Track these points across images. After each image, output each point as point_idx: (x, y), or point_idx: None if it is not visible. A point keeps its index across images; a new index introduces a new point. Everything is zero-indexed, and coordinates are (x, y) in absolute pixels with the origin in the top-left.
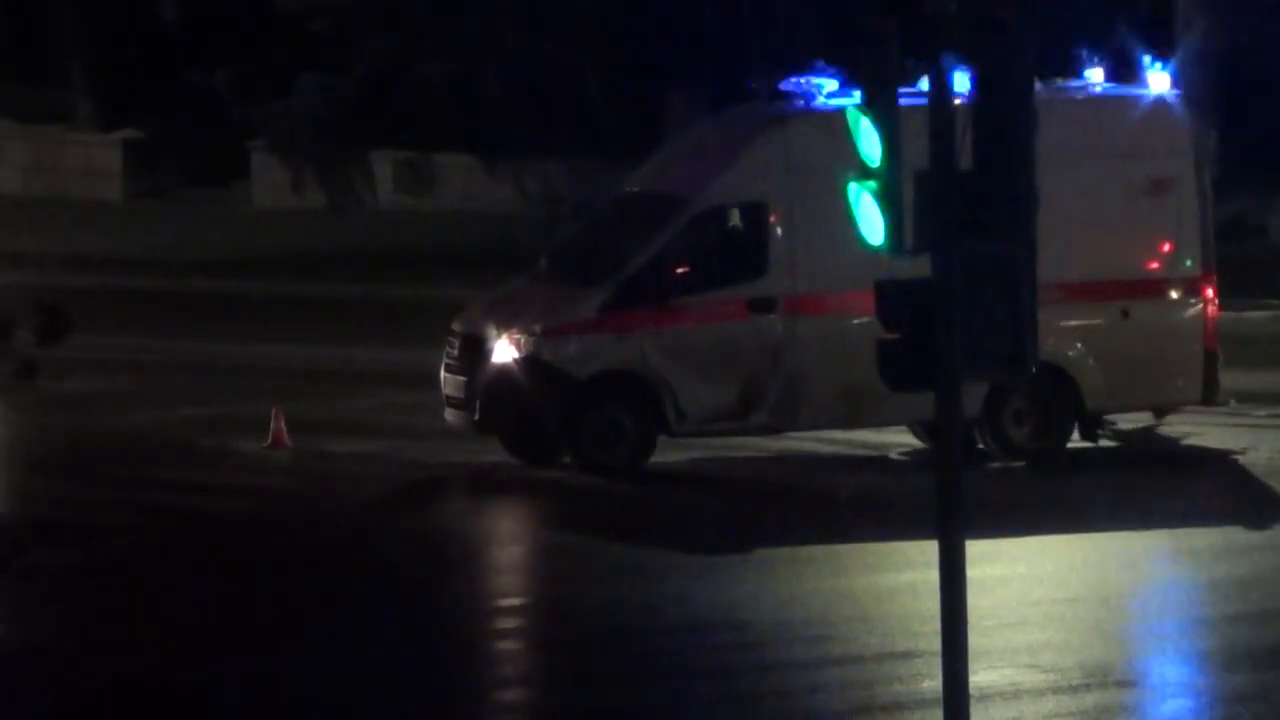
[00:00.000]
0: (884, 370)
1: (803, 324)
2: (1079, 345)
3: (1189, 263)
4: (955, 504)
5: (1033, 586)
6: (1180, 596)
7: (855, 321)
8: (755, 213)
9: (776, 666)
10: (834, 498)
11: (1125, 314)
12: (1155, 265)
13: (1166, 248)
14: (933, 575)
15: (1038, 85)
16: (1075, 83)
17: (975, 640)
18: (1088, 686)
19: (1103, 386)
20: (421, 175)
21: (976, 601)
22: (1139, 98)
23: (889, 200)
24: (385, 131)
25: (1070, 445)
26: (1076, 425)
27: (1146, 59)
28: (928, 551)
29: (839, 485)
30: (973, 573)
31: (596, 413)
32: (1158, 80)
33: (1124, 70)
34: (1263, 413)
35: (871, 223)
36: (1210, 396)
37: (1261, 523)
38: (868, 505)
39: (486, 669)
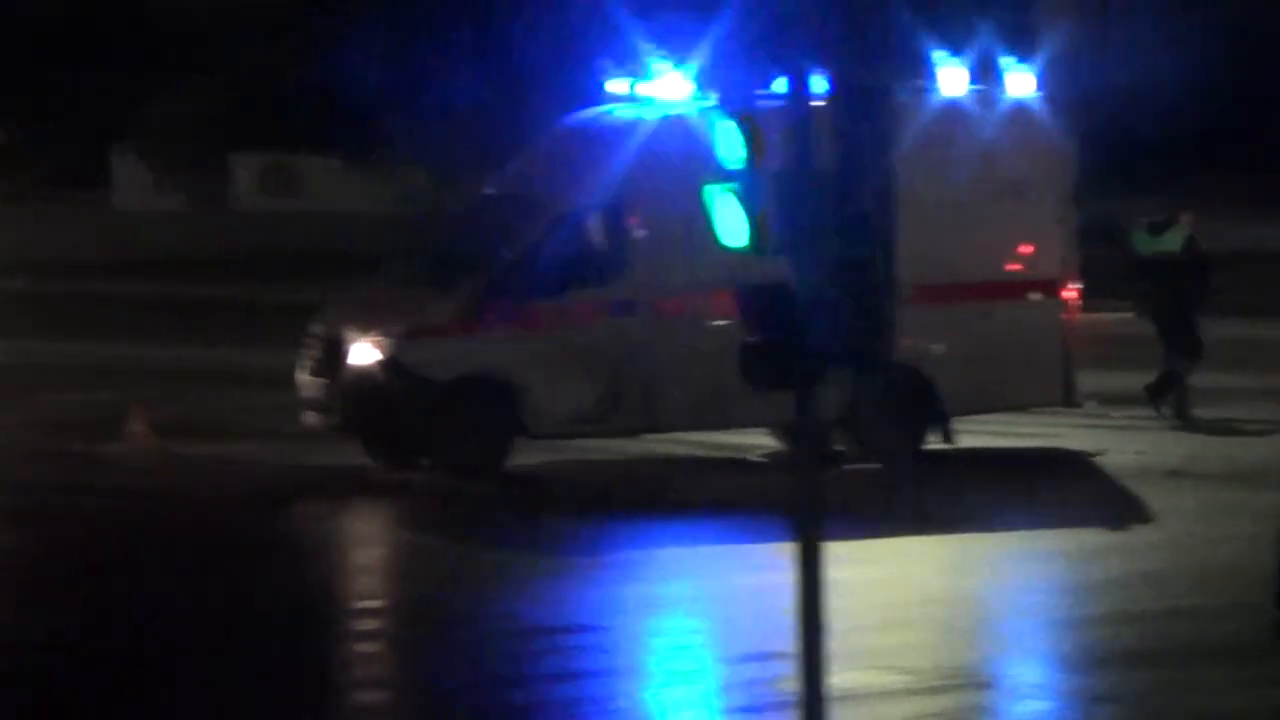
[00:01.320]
0: (745, 372)
1: (661, 326)
2: (939, 347)
3: (1049, 265)
4: (813, 506)
5: (891, 588)
6: (1037, 598)
7: (714, 324)
8: (614, 216)
9: (634, 670)
10: (693, 500)
11: (984, 316)
12: (1015, 267)
13: (1026, 250)
14: (791, 577)
15: (898, 87)
16: (934, 83)
17: (833, 642)
18: (945, 688)
19: (961, 388)
20: (284, 177)
21: (834, 603)
22: (1000, 99)
23: (748, 202)
24: (249, 134)
25: (928, 447)
26: (935, 427)
27: (1007, 61)
28: (787, 554)
29: (698, 487)
30: (831, 575)
31: (456, 415)
32: (1019, 83)
33: (986, 72)
34: (1121, 414)
35: (731, 225)
36: (1069, 398)
37: (1118, 525)
38: (727, 507)
39: (345, 671)
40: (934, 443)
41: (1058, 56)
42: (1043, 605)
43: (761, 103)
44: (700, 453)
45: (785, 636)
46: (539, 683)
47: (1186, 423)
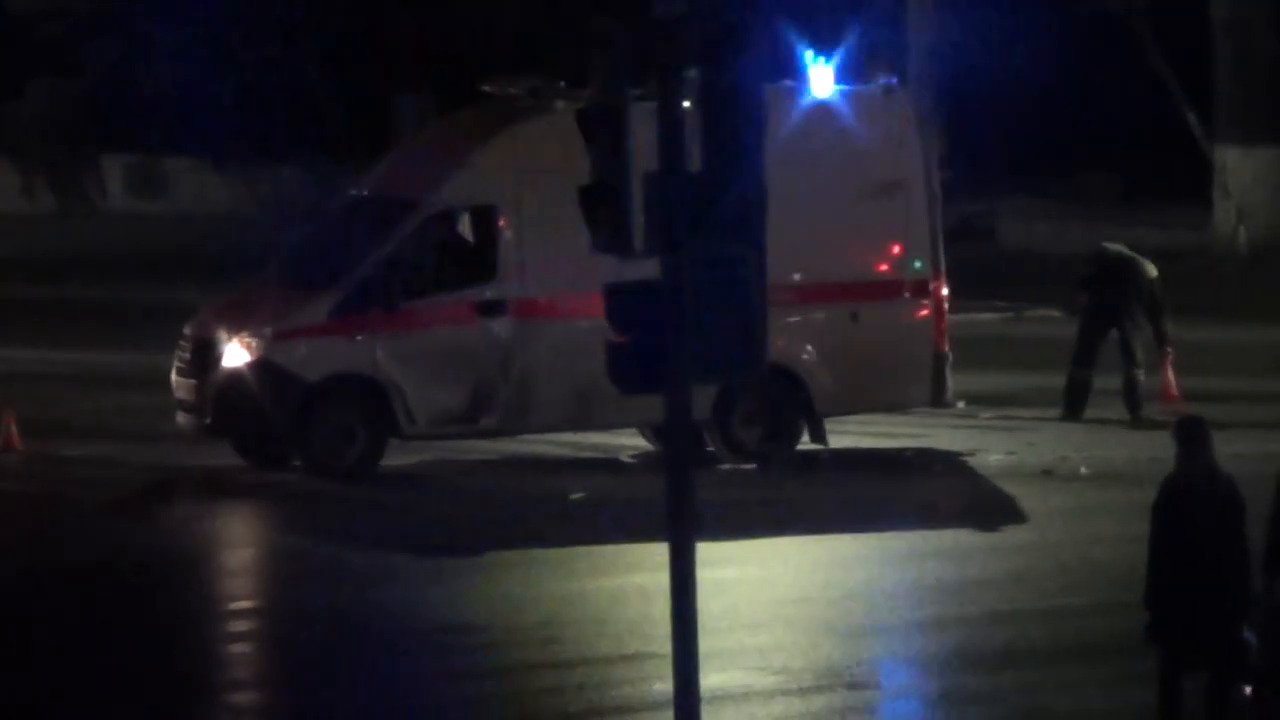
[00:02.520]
0: (613, 373)
1: (532, 327)
2: (808, 348)
3: (918, 264)
4: (686, 506)
5: (764, 588)
6: (910, 598)
7: (585, 324)
8: (485, 216)
9: (508, 669)
10: (566, 500)
11: (854, 316)
12: (884, 267)
13: (895, 249)
14: (663, 577)
15: (767, 86)
16: (802, 83)
17: (706, 642)
18: (819, 688)
19: (832, 389)
20: (152, 178)
21: (707, 604)
22: (868, 98)
23: (618, 203)
24: (116, 135)
25: (801, 447)
26: (805, 427)
27: (874, 61)
28: (659, 554)
29: (571, 488)
30: (703, 575)
31: (327, 416)
32: (886, 82)
33: (853, 72)
34: (991, 414)
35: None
36: (939, 398)
37: (990, 524)
38: (599, 507)
39: (218, 672)
40: (805, 443)
41: (927, 54)
42: (915, 605)
43: (634, 103)
44: (573, 453)
45: (659, 637)
46: (414, 683)
47: (1077, 420)
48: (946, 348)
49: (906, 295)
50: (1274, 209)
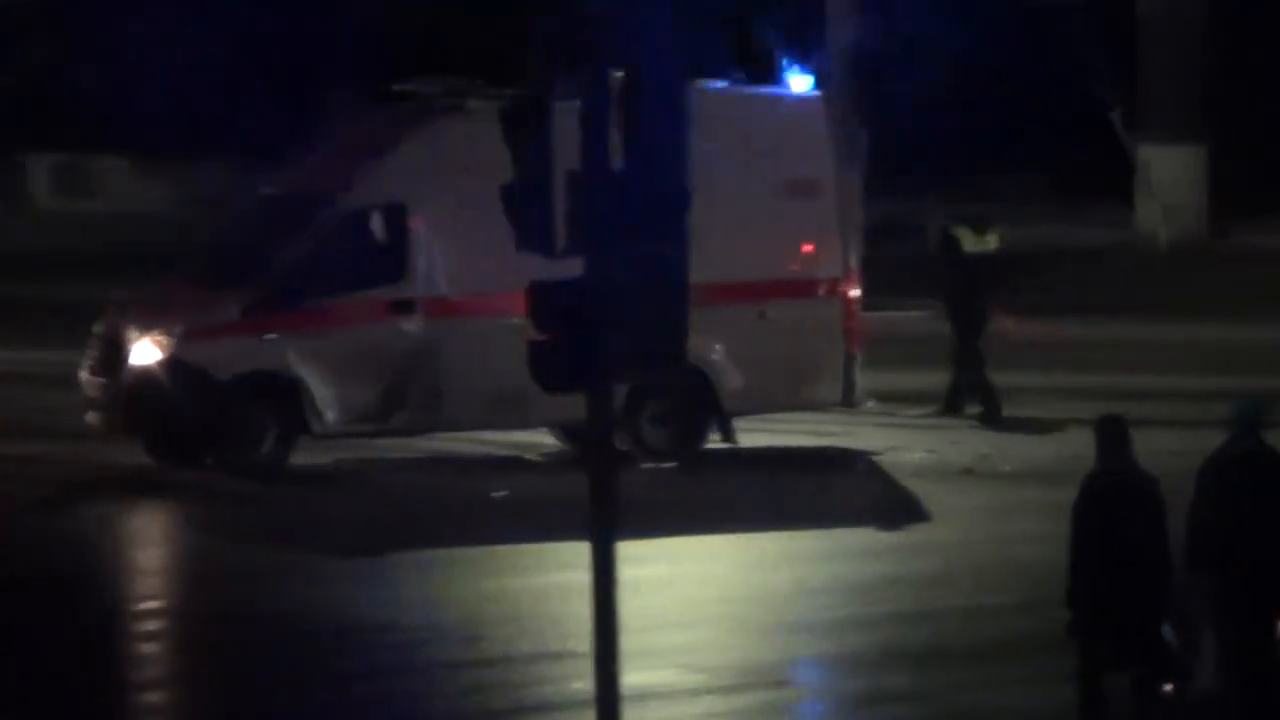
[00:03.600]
0: (536, 372)
1: (444, 326)
2: (718, 347)
3: (830, 264)
4: (608, 504)
5: (687, 587)
6: (835, 596)
7: (498, 324)
8: (397, 214)
9: (430, 668)
10: (488, 498)
11: (764, 315)
12: (796, 266)
13: (807, 249)
14: (585, 576)
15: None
16: (715, 82)
17: (628, 641)
18: (742, 687)
19: (741, 388)
20: (79, 177)
21: (629, 602)
22: (780, 98)
23: (545, 201)
24: (42, 134)
25: (725, 446)
26: (715, 426)
27: (786, 60)
28: (581, 552)
29: (492, 486)
30: (625, 573)
31: (238, 414)
32: (799, 81)
33: (769, 71)
34: (914, 412)
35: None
36: (849, 398)
37: (912, 523)
38: (522, 506)
39: (131, 672)
40: (715, 442)
41: (848, 53)
42: (839, 603)
43: (556, 99)
44: (490, 451)
45: (580, 635)
46: (336, 682)
47: (995, 422)
48: (857, 347)
49: (817, 295)
50: (1196, 207)
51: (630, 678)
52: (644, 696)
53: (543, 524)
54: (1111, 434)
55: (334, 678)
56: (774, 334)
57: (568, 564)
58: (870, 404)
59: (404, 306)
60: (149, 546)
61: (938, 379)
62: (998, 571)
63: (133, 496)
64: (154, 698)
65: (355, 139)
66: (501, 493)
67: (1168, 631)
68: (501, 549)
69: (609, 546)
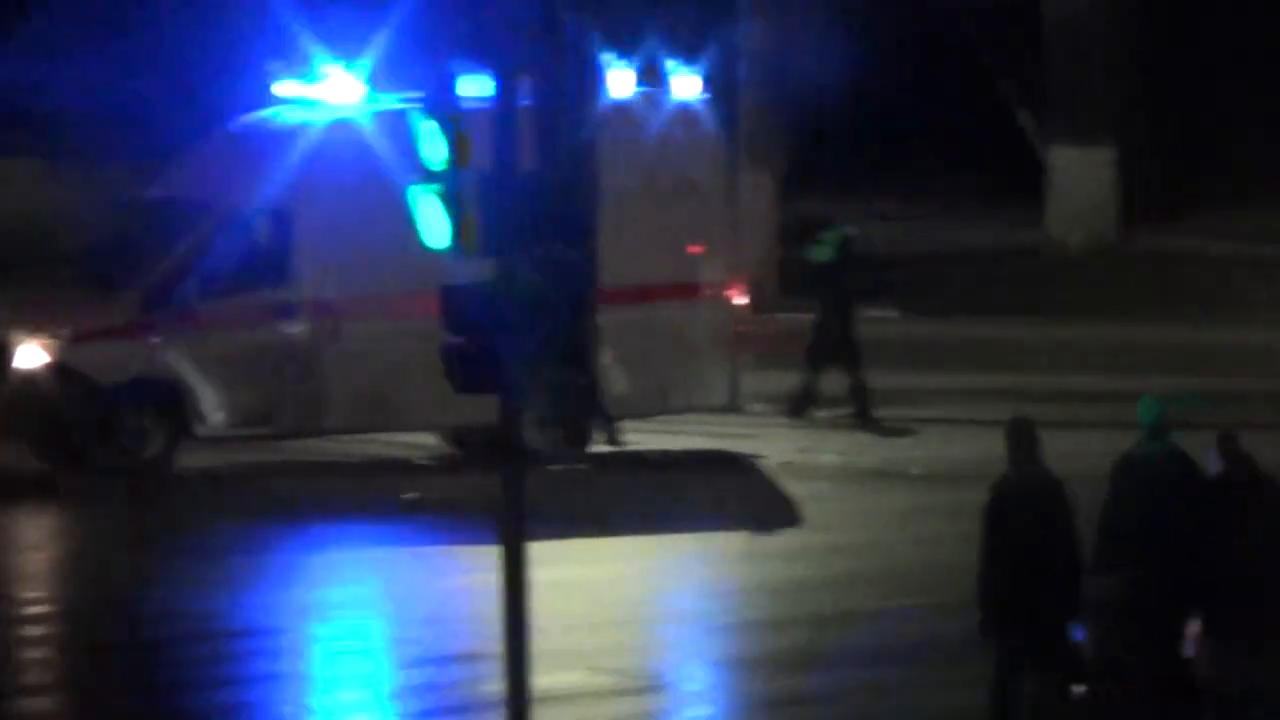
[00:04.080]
0: (449, 374)
1: (326, 329)
2: (605, 349)
3: (718, 267)
4: (518, 507)
5: (596, 589)
6: (745, 599)
7: (379, 327)
8: (281, 218)
9: (334, 671)
10: (399, 501)
11: (651, 318)
12: (683, 269)
13: (694, 252)
14: (495, 578)
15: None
16: (604, 87)
17: (538, 643)
18: (651, 689)
19: (627, 391)
20: None
21: (540, 604)
22: (667, 101)
23: (452, 204)
24: None
25: (633, 448)
26: (599, 429)
27: (674, 64)
28: (491, 554)
29: (399, 488)
30: (536, 575)
31: (123, 417)
32: (686, 83)
33: (653, 74)
34: (823, 414)
35: (434, 226)
36: (736, 402)
37: (822, 525)
38: (432, 508)
39: (7, 676)
40: (599, 445)
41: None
42: (749, 605)
43: (466, 103)
44: (405, 454)
45: (491, 637)
46: (243, 686)
47: (869, 424)
48: (743, 350)
49: (704, 297)
50: (1105, 209)
51: (540, 679)
52: (554, 698)
53: (454, 526)
54: (1021, 436)
55: (242, 680)
56: (660, 337)
57: (479, 566)
58: (758, 407)
59: (287, 310)
60: (34, 550)
61: (847, 381)
62: (909, 573)
63: (18, 499)
64: (29, 704)
65: (238, 142)
66: (414, 494)
67: (1078, 632)
68: (413, 551)
69: (520, 548)
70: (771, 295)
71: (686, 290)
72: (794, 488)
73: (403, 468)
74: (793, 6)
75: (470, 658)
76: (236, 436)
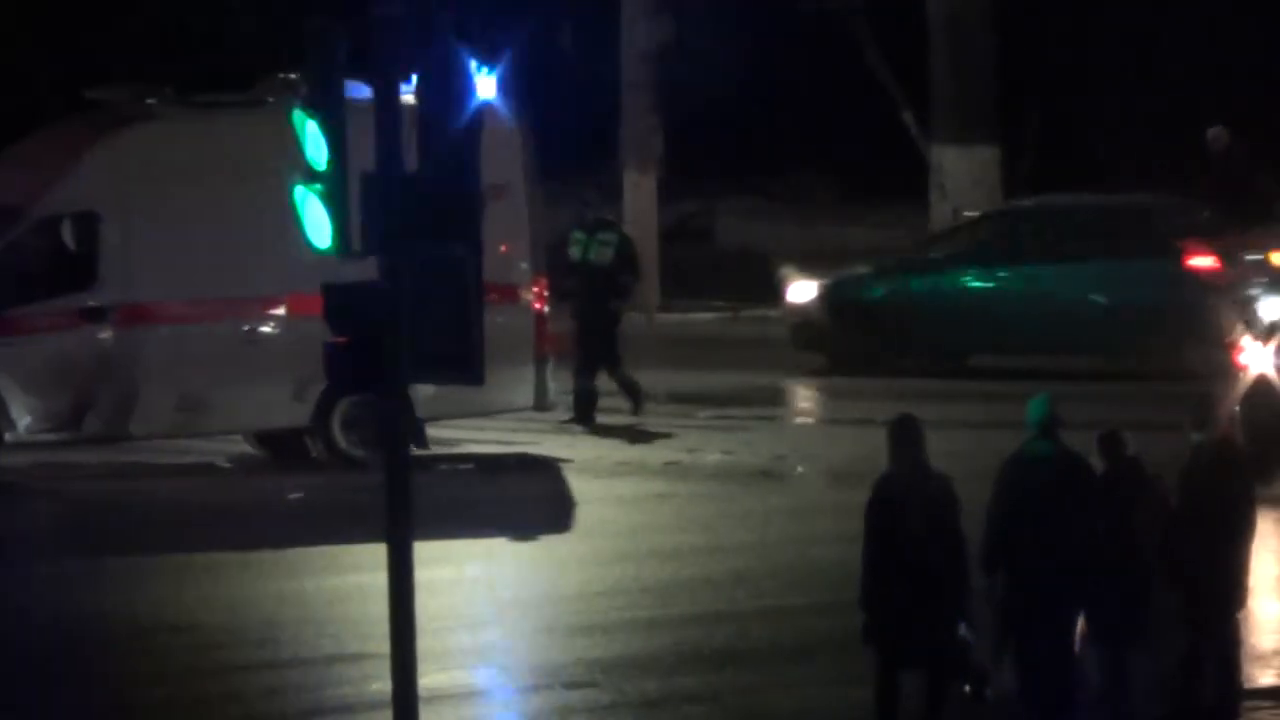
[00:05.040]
0: (331, 374)
1: (136, 333)
2: None
3: (519, 268)
4: (403, 506)
5: (482, 588)
6: (630, 598)
7: (190, 330)
8: (88, 221)
9: (226, 670)
10: (282, 501)
11: None
12: (490, 270)
13: (499, 252)
14: (381, 577)
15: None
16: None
17: (425, 642)
18: (537, 688)
19: (432, 393)
20: None
21: (426, 603)
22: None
23: (335, 202)
24: None
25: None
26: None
27: (474, 64)
28: (377, 554)
29: (285, 489)
30: (421, 574)
31: None
32: (485, 84)
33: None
34: (708, 414)
35: (317, 225)
36: (542, 402)
37: (708, 525)
38: (315, 508)
39: None
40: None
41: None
42: (634, 605)
43: (348, 101)
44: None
45: (378, 637)
46: (127, 684)
47: (590, 426)
48: (548, 350)
49: (508, 298)
50: (989, 208)
51: (427, 679)
52: (441, 697)
53: (338, 525)
54: (904, 435)
55: (128, 679)
56: None
57: (364, 565)
58: (561, 409)
59: (95, 314)
60: None
61: (731, 380)
62: (795, 572)
63: None
64: None
65: (44, 147)
66: (298, 494)
67: (964, 631)
68: (298, 551)
69: (406, 548)
70: (655, 294)
71: (490, 291)
72: (678, 488)
73: (291, 467)
74: (674, 5)
75: (357, 657)
76: (45, 441)
